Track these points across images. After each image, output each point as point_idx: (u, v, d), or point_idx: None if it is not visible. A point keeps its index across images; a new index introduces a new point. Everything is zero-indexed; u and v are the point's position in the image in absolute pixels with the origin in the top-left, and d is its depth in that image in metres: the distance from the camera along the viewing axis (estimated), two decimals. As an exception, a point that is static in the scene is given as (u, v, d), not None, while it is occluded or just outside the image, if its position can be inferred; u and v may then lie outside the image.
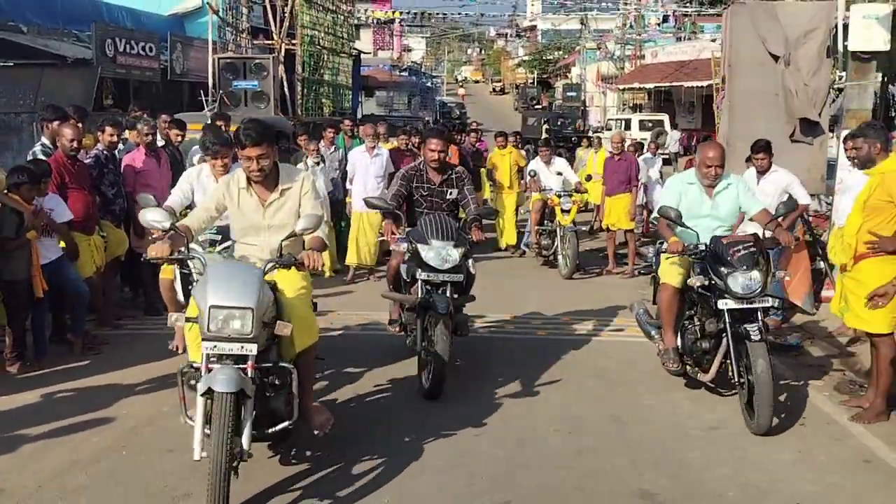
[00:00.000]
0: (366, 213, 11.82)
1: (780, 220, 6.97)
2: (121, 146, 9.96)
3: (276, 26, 21.29)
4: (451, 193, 7.64)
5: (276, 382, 5.04)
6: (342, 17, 25.92)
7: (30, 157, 8.57)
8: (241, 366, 4.66)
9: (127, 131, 10.46)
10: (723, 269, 6.30)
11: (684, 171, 8.46)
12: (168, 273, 7.42)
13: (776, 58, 10.51)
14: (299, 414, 5.17)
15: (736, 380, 6.37)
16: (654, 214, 10.14)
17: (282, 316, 5.03)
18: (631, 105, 46.24)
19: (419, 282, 7.02)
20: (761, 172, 8.98)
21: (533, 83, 71.00)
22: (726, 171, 6.98)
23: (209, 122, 12.22)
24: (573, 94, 49.57)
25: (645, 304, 7.93)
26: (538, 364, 7.88)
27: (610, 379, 7.57)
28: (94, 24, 17.91)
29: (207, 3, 19.18)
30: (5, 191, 7.48)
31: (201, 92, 17.45)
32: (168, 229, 5.15)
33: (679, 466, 5.60)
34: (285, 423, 5.06)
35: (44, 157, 8.35)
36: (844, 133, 9.41)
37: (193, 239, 5.52)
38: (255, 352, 4.67)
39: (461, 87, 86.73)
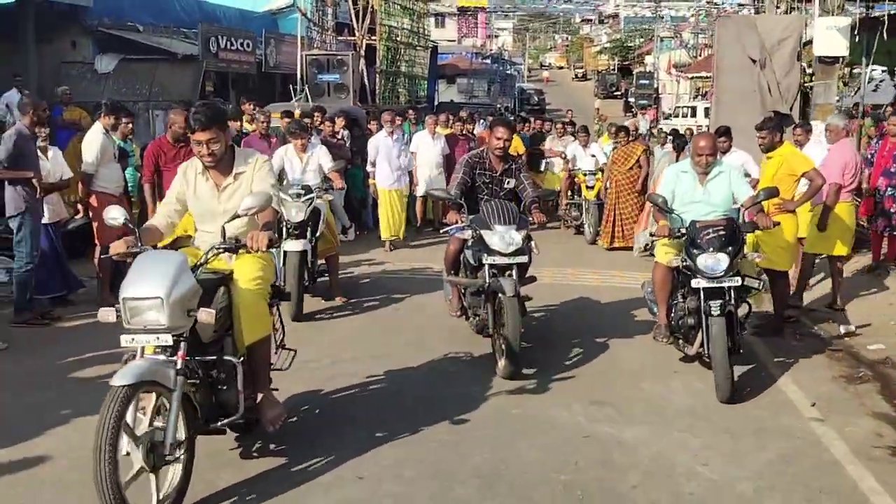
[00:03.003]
0: (392, 190, 13.39)
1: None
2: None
3: (358, 23, 23.73)
4: (508, 183, 7.77)
5: (222, 376, 4.97)
6: (417, 14, 28.21)
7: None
8: (172, 358, 4.54)
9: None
10: (694, 250, 6.77)
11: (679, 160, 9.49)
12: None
13: (754, 61, 12.53)
14: (251, 408, 5.15)
15: (706, 353, 6.85)
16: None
17: (233, 307, 5.02)
18: (703, 93, 47.52)
19: (486, 266, 7.14)
20: (723, 153, 10.99)
21: (613, 70, 72.16)
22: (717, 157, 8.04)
23: (299, 111, 14.80)
24: (646, 81, 50.91)
25: (653, 284, 8.81)
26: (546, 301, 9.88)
27: (595, 309, 9.74)
28: (200, 24, 20.41)
29: (297, 7, 21.65)
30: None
31: (290, 85, 19.98)
32: (124, 224, 4.97)
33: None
34: (233, 418, 4.96)
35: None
36: (814, 123, 11.50)
37: (163, 236, 5.39)
38: (170, 342, 4.48)
39: (545, 71, 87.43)
